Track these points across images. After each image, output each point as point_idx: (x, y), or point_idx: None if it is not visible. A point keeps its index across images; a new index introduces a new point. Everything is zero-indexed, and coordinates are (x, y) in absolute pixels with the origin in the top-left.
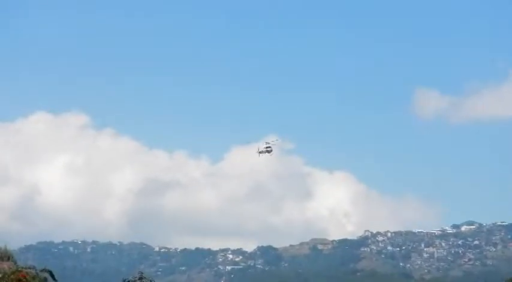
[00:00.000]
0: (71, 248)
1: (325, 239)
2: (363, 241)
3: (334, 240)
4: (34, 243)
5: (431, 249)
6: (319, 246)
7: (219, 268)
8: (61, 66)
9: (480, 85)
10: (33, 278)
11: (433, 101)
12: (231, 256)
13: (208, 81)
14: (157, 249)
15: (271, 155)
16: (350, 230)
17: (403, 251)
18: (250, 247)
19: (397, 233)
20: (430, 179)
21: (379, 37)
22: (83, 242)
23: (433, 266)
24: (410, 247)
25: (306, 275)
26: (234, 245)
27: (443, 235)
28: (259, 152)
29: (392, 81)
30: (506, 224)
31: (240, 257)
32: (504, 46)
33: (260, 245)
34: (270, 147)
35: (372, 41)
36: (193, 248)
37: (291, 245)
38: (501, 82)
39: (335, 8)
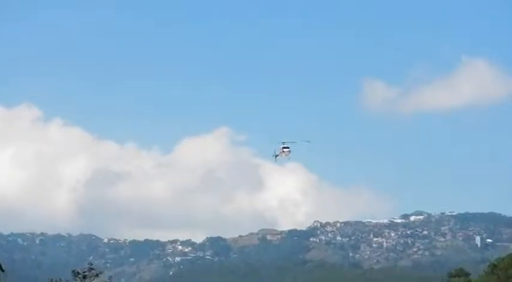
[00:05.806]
0: (20, 240)
1: (275, 230)
2: (312, 231)
3: (284, 231)
4: None
5: (380, 239)
6: (268, 237)
7: (168, 259)
8: (13, 60)
9: (429, 75)
10: None
11: (381, 91)
12: (180, 247)
13: (159, 72)
14: (106, 240)
15: (289, 157)
16: (300, 220)
17: (352, 241)
18: (199, 238)
19: (346, 224)
20: (380, 170)
21: (323, 28)
22: (32, 234)
23: (382, 256)
24: (359, 237)
25: (255, 266)
26: (183, 236)
27: (392, 225)
28: (275, 156)
29: (341, 72)
30: (455, 214)
31: (189, 248)
32: (452, 33)
33: (209, 236)
34: (288, 147)
35: (316, 32)
36: (142, 240)
37: (240, 236)
38: (449, 72)
39: None
